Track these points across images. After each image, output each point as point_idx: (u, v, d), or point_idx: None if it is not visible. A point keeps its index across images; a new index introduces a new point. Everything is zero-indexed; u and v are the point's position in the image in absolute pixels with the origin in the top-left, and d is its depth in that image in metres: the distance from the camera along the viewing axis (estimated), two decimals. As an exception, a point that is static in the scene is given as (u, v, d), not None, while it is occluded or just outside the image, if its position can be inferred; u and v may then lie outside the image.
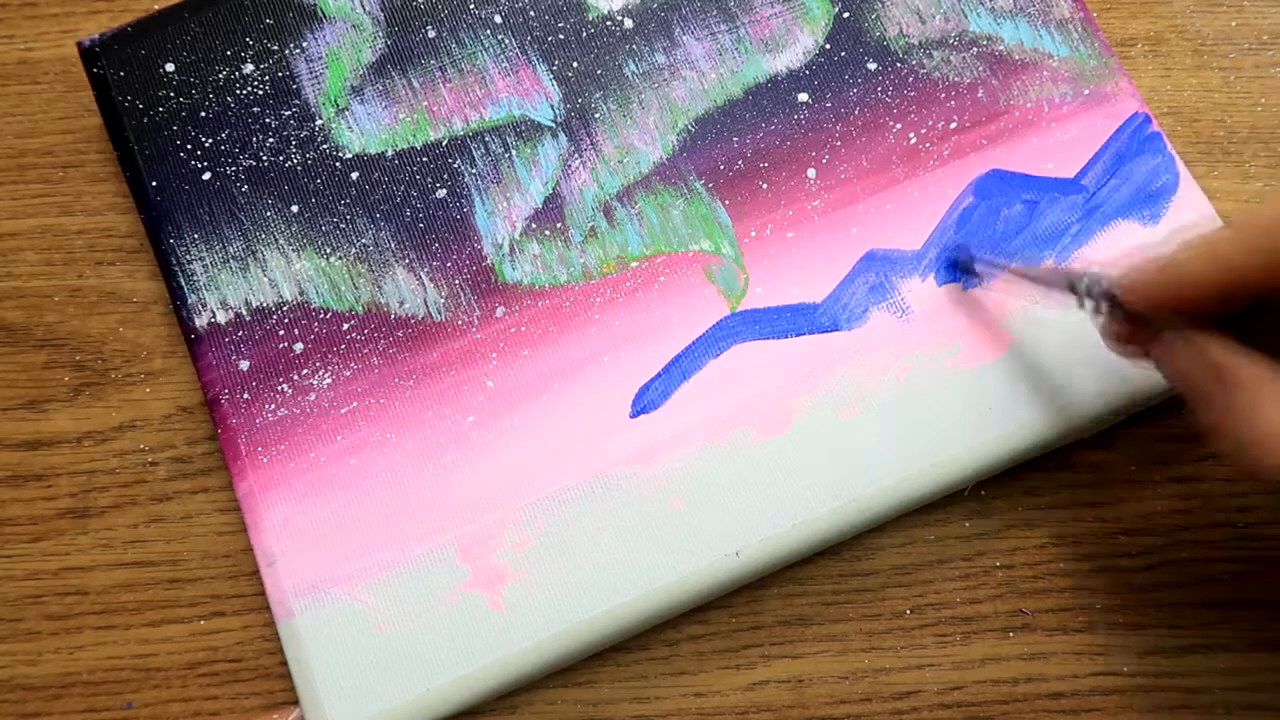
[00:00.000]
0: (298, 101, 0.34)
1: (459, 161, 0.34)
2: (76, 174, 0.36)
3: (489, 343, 0.32)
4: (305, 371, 0.32)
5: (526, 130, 0.34)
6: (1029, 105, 0.34)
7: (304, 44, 0.35)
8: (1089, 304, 0.27)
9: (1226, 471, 0.32)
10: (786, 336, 0.32)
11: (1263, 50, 0.36)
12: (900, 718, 0.31)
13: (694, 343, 0.32)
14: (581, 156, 0.34)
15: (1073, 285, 0.28)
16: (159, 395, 0.34)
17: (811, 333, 0.32)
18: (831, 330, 0.32)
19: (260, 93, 0.34)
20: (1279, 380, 0.23)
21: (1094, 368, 0.31)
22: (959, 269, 0.32)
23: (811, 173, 0.33)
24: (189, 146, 0.34)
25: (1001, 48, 0.34)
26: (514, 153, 0.34)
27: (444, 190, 0.34)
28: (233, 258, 0.33)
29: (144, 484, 0.33)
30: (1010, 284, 0.31)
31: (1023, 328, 0.32)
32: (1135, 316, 0.26)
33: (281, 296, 0.33)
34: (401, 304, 0.33)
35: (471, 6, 0.35)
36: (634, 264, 0.33)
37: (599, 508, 0.31)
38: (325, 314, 0.33)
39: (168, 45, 0.35)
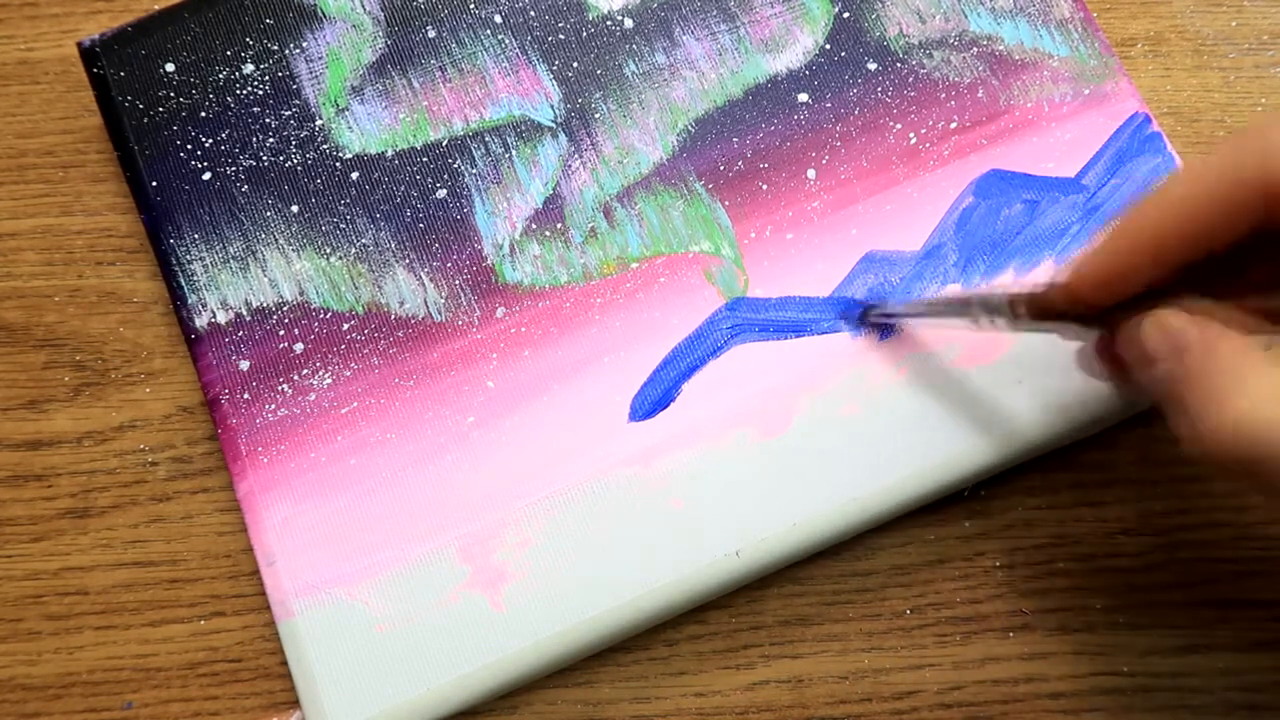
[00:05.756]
0: (298, 101, 0.34)
1: (459, 161, 0.34)
2: (76, 174, 0.36)
3: (489, 343, 0.32)
4: (305, 371, 0.32)
5: (526, 130, 0.34)
6: (1029, 105, 0.34)
7: (304, 44, 0.35)
8: (999, 321, 0.27)
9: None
10: (786, 337, 0.32)
11: (1263, 50, 0.36)
12: (900, 718, 0.31)
13: (690, 338, 0.32)
14: (581, 157, 0.34)
15: (985, 304, 0.27)
16: (159, 395, 0.34)
17: (811, 334, 0.32)
18: (831, 332, 0.32)
19: (260, 93, 0.34)
20: (1248, 347, 0.22)
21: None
22: (862, 323, 0.32)
23: (811, 173, 0.33)
24: (189, 146, 0.34)
25: (1001, 48, 0.34)
26: (514, 153, 0.34)
27: (444, 190, 0.34)
28: (233, 258, 0.33)
29: (144, 484, 0.33)
30: (918, 322, 0.31)
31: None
32: (1078, 317, 0.25)
33: (281, 296, 0.33)
34: (402, 304, 0.33)
35: (471, 6, 0.35)
36: (634, 265, 0.33)
37: (599, 508, 0.31)
38: (325, 314, 0.33)
39: (168, 45, 0.35)
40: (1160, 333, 0.23)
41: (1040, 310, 0.26)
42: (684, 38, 0.35)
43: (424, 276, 0.33)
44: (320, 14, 0.35)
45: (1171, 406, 0.23)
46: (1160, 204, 0.23)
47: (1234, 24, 0.36)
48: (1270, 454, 0.21)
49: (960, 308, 0.28)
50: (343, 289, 0.33)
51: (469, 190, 0.34)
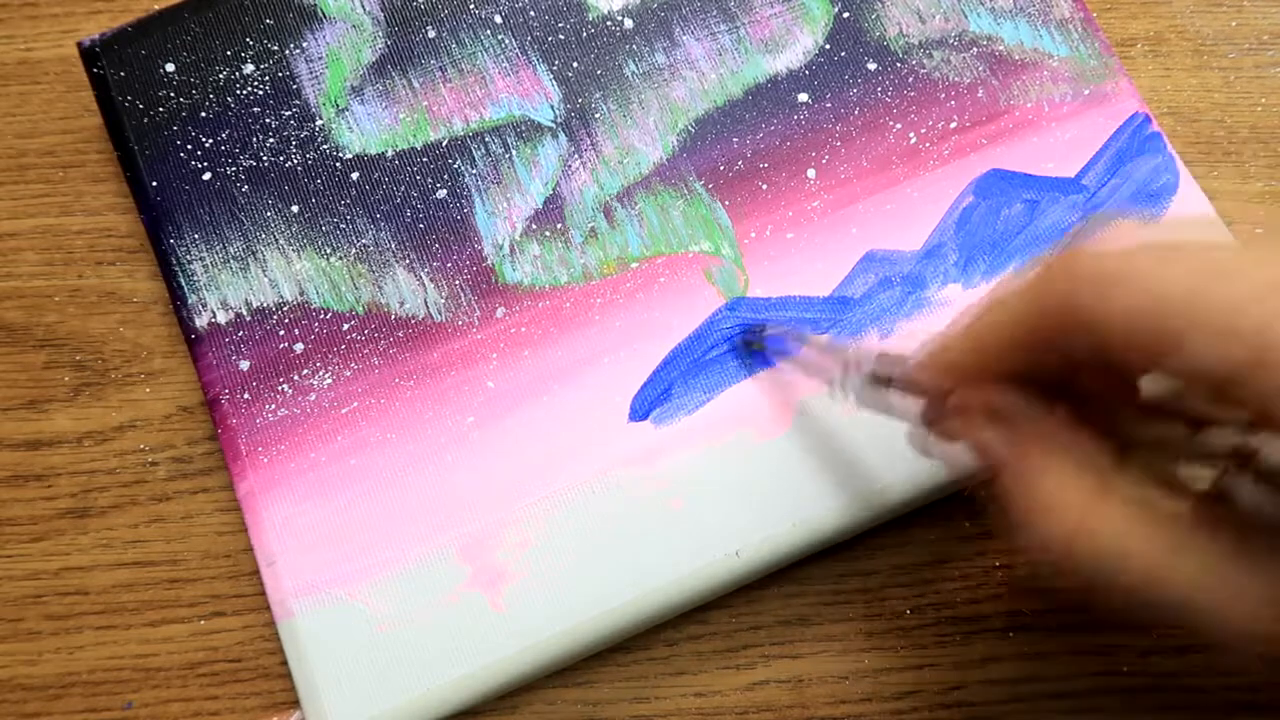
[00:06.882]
0: (298, 102, 0.34)
1: (459, 162, 0.34)
2: (76, 174, 0.36)
3: (489, 343, 0.32)
4: (305, 372, 0.32)
5: (526, 130, 0.34)
6: (1029, 105, 0.34)
7: (304, 44, 0.35)
8: (859, 388, 0.26)
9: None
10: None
11: (1263, 50, 0.36)
12: (900, 718, 0.31)
13: (690, 338, 0.32)
14: (581, 157, 0.34)
15: (848, 364, 0.26)
16: (159, 395, 0.34)
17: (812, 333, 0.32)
18: (832, 331, 0.32)
19: (260, 93, 0.34)
20: (1068, 452, 0.21)
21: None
22: (748, 348, 0.31)
23: (811, 173, 0.33)
24: (189, 146, 0.34)
25: (1001, 48, 0.34)
26: (514, 153, 0.34)
27: (444, 190, 0.34)
28: (233, 258, 0.33)
29: (144, 484, 0.33)
30: (798, 362, 0.29)
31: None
32: (931, 394, 0.24)
33: (282, 296, 0.33)
34: (402, 304, 0.33)
35: (471, 6, 0.35)
36: (634, 265, 0.33)
37: (599, 508, 0.31)
38: (325, 314, 0.33)
39: (168, 45, 0.35)
40: (993, 431, 0.22)
41: (903, 380, 0.25)
42: (684, 38, 0.35)
43: (424, 276, 0.33)
44: (320, 14, 0.35)
45: (1004, 502, 0.22)
46: (989, 317, 0.22)
47: (1234, 24, 0.36)
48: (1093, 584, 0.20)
49: (833, 356, 0.27)
50: (343, 289, 0.33)
51: (469, 190, 0.34)
